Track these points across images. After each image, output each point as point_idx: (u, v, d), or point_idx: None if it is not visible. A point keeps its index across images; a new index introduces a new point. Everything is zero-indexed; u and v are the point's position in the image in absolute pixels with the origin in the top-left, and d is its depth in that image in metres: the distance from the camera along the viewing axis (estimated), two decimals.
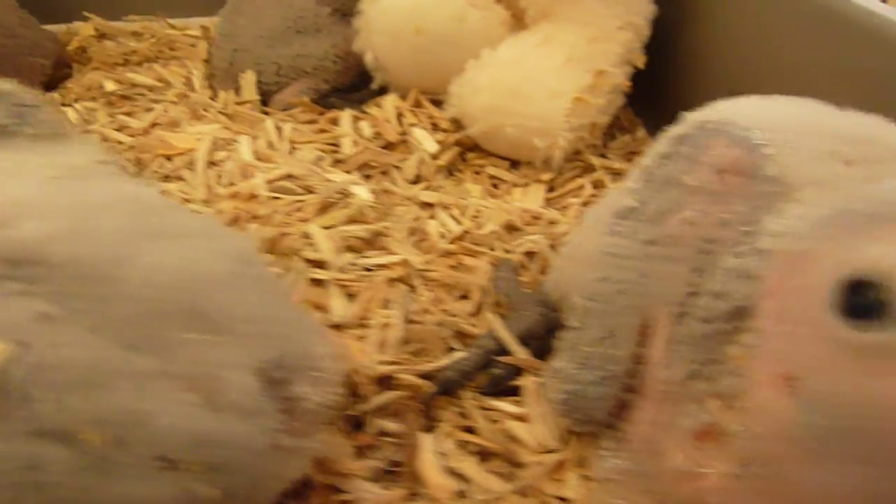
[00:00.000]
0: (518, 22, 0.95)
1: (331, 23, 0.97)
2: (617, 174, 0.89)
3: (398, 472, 0.50)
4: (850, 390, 0.28)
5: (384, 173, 0.85)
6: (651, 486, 0.39)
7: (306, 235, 0.66)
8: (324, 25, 0.97)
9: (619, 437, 0.44)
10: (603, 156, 0.94)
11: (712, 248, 0.40)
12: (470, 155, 0.92)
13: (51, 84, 0.96)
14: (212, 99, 0.95)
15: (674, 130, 0.48)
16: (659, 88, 0.98)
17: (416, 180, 0.85)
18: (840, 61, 0.70)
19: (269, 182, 0.72)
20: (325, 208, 0.70)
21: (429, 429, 0.53)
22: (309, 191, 0.72)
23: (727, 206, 0.41)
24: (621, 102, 0.95)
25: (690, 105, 0.88)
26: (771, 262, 0.35)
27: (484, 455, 0.52)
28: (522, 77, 0.85)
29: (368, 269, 0.65)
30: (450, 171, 0.89)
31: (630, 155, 0.95)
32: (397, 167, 0.86)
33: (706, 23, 0.93)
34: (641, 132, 1.01)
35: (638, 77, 0.98)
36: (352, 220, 0.69)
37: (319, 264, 0.63)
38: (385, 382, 0.53)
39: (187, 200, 0.72)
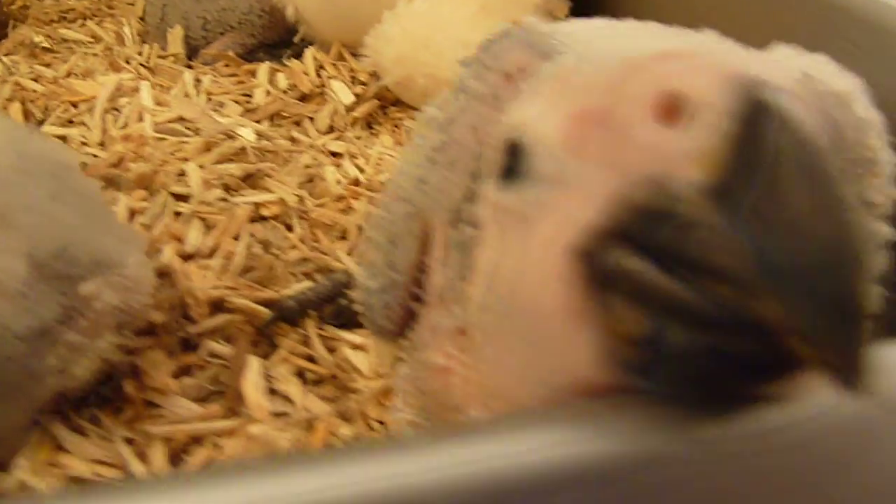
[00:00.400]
0: None
1: None
2: None
3: (223, 391, 0.50)
4: (498, 260, 0.27)
5: (297, 123, 0.85)
6: (420, 387, 0.39)
7: (182, 173, 0.66)
8: None
9: (407, 345, 0.43)
10: None
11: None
12: (391, 108, 0.91)
13: None
14: (139, 53, 0.96)
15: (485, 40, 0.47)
16: None
17: (330, 131, 0.85)
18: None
19: (159, 124, 0.73)
20: (208, 148, 0.70)
21: (267, 354, 0.54)
22: (197, 133, 0.73)
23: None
24: None
25: None
26: None
27: (319, 381, 0.53)
28: (433, 27, 0.85)
29: (252, 206, 0.65)
30: (369, 123, 0.89)
31: None
32: (310, 118, 0.86)
33: None
34: None
35: None
36: (231, 160, 0.69)
37: (184, 198, 0.63)
38: (221, 307, 0.54)
39: (84, 143, 0.73)
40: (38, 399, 0.42)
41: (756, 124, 0.19)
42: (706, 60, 0.21)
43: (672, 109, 0.21)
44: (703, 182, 0.20)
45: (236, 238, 0.59)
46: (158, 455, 0.45)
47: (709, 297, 0.19)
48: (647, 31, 0.48)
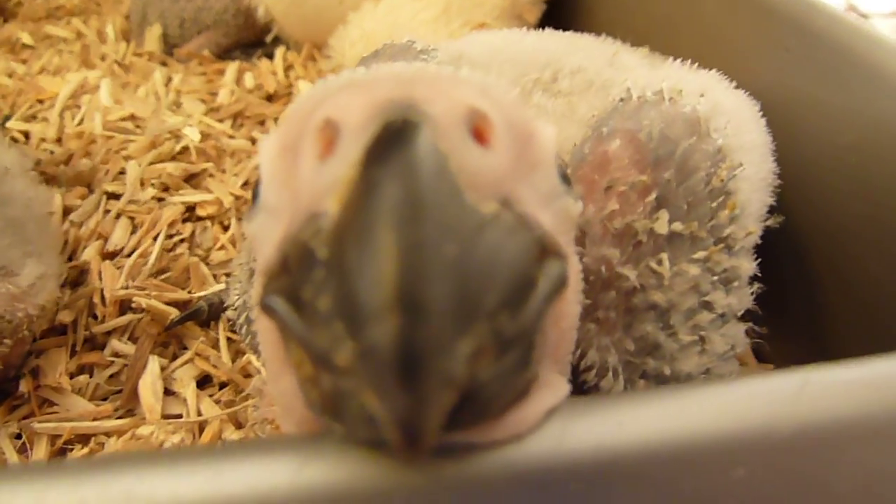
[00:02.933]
0: None
1: None
2: None
3: (122, 391, 0.51)
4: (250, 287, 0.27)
5: (261, 123, 0.86)
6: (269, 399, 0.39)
7: (122, 172, 0.67)
8: None
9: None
10: None
11: None
12: None
13: None
14: (117, 50, 0.97)
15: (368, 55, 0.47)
16: None
17: None
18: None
19: (109, 122, 0.74)
20: (152, 147, 0.71)
21: (174, 355, 0.54)
22: (142, 132, 0.74)
23: None
24: None
25: None
26: None
27: (223, 384, 0.53)
28: (394, 29, 0.84)
29: (186, 206, 0.66)
30: None
31: None
32: (275, 118, 0.86)
33: None
34: None
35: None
36: (174, 159, 0.70)
37: (116, 196, 0.64)
38: (128, 307, 0.54)
39: (43, 140, 0.75)
40: None
41: (381, 159, 0.18)
42: (385, 87, 0.20)
43: (328, 142, 0.20)
44: (333, 217, 0.19)
45: (157, 238, 0.60)
46: (41, 451, 0.46)
47: (320, 339, 0.18)
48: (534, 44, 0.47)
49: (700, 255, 0.30)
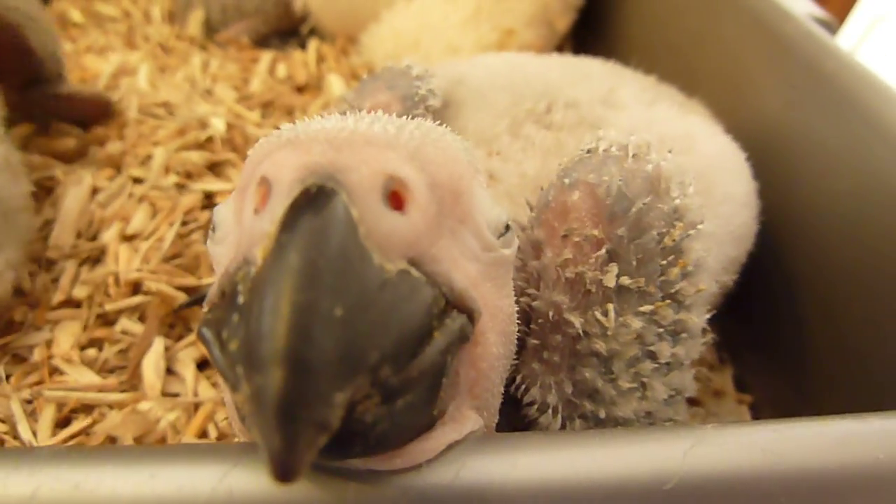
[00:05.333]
0: None
1: None
2: None
3: (126, 366, 0.54)
4: None
5: (289, 112, 0.89)
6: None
7: (150, 157, 0.71)
8: None
9: None
10: None
11: None
12: None
13: None
14: (160, 32, 1.01)
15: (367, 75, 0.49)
16: (604, 52, 0.96)
17: None
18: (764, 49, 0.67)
19: (143, 106, 0.78)
20: (181, 134, 0.74)
21: (179, 336, 0.58)
22: (174, 118, 0.77)
23: None
24: None
25: (639, 67, 0.85)
26: None
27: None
28: (423, 29, 0.86)
29: (205, 194, 0.69)
30: None
31: None
32: (303, 109, 0.89)
33: None
34: None
35: (583, 41, 0.97)
36: (197, 148, 0.73)
37: (140, 181, 0.68)
38: (139, 289, 0.58)
39: None
40: None
41: (294, 220, 0.21)
42: (316, 151, 0.23)
43: (263, 196, 0.22)
44: (256, 269, 0.21)
45: (173, 224, 0.63)
46: (48, 417, 0.50)
47: (230, 373, 0.21)
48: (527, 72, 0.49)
49: (646, 308, 0.31)
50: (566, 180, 0.32)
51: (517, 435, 0.24)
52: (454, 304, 0.23)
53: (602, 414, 0.33)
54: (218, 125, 0.75)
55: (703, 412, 0.53)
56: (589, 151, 0.33)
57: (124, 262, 0.59)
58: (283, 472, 0.19)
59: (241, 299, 0.21)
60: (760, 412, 0.56)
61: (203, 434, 0.51)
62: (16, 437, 0.48)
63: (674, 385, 0.34)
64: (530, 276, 0.33)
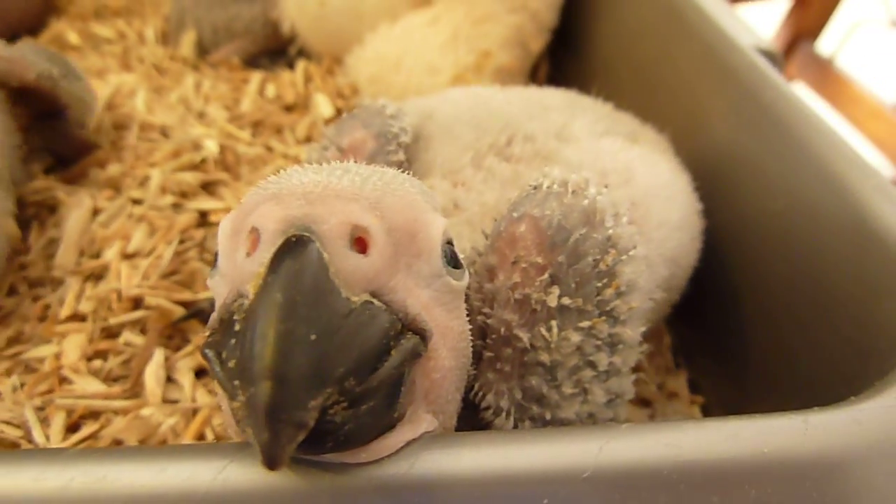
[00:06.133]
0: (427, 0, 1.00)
1: None
2: None
3: (128, 376, 0.59)
4: None
5: (278, 131, 0.94)
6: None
7: (147, 178, 0.76)
8: None
9: None
10: None
11: None
12: None
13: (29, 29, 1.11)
14: (154, 53, 1.06)
15: (345, 113, 0.54)
16: (575, 73, 1.01)
17: (307, 140, 0.93)
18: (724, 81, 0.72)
19: (142, 129, 0.83)
20: (175, 155, 0.79)
21: (179, 348, 0.63)
22: (168, 139, 0.82)
23: None
24: (519, 83, 0.98)
25: (599, 86, 0.91)
26: None
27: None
28: (405, 51, 0.91)
29: (199, 212, 0.74)
30: None
31: None
32: (291, 128, 0.94)
33: (612, 12, 0.94)
34: None
35: (559, 60, 1.02)
36: (192, 169, 0.78)
37: (139, 202, 0.73)
38: (140, 303, 0.63)
39: None
40: None
41: (279, 261, 0.26)
42: (294, 203, 0.28)
43: (253, 242, 0.28)
44: (248, 302, 0.26)
45: (170, 242, 0.68)
46: (59, 423, 0.54)
47: (228, 386, 0.26)
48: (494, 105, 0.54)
49: (585, 324, 0.37)
50: (515, 213, 0.38)
51: (463, 434, 0.29)
52: (408, 327, 0.28)
53: (548, 416, 0.38)
54: (211, 147, 0.80)
55: (650, 412, 0.58)
56: (535, 188, 0.38)
57: (126, 278, 0.64)
58: (270, 461, 0.24)
59: (237, 326, 0.27)
60: (711, 412, 0.61)
61: (201, 437, 0.56)
62: (30, 441, 0.53)
63: (612, 390, 0.40)
64: (485, 297, 0.38)
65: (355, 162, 0.47)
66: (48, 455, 0.28)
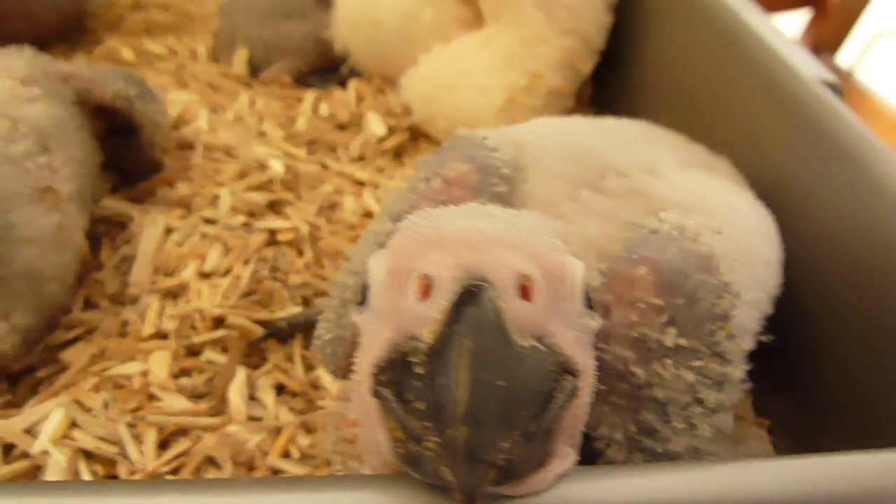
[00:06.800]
0: (478, 21, 1.02)
1: (314, 10, 1.07)
2: None
3: (212, 393, 0.61)
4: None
5: (332, 150, 0.96)
6: (338, 425, 0.49)
7: (216, 197, 0.78)
8: (308, 12, 1.07)
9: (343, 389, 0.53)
10: None
11: None
12: (422, 140, 1.00)
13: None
14: (206, 70, 1.08)
15: (443, 144, 0.55)
16: (621, 93, 1.03)
17: (360, 159, 0.95)
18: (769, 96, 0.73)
19: (208, 149, 0.85)
20: (242, 176, 0.81)
21: (256, 365, 0.65)
22: (235, 159, 0.84)
23: None
24: (569, 104, 1.00)
25: (645, 108, 0.92)
26: None
27: (294, 394, 0.63)
28: (458, 72, 0.93)
29: (259, 232, 0.76)
30: (398, 153, 0.98)
31: None
32: (345, 146, 0.96)
33: (661, 35, 0.96)
34: None
35: (602, 80, 1.03)
36: (259, 189, 0.80)
37: (212, 221, 0.75)
38: (222, 323, 0.65)
39: None
40: None
41: (460, 309, 0.28)
42: (463, 252, 0.30)
43: (427, 287, 0.29)
44: (427, 343, 0.28)
45: (246, 262, 0.70)
46: (150, 439, 0.56)
47: (415, 424, 0.28)
48: (588, 138, 0.55)
49: (697, 363, 0.39)
50: (633, 255, 0.39)
51: (604, 468, 0.31)
52: (565, 368, 0.30)
53: (659, 449, 0.40)
54: (277, 167, 0.82)
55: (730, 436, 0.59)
56: (653, 231, 0.40)
57: (206, 298, 0.66)
58: (469, 499, 0.26)
59: (419, 369, 0.28)
60: (776, 435, 0.63)
61: (286, 454, 0.58)
62: (125, 457, 0.55)
63: (717, 426, 0.41)
64: (600, 332, 0.39)
65: (460, 194, 0.49)
66: (216, 485, 0.30)
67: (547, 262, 0.32)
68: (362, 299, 0.35)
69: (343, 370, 0.54)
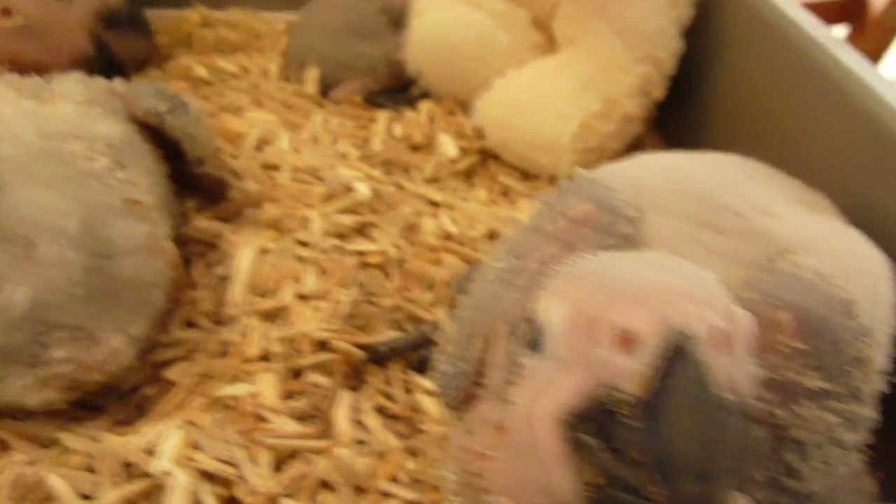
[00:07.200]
0: (551, 46, 1.03)
1: (387, 31, 1.09)
2: None
3: (317, 416, 0.62)
4: (514, 401, 0.38)
5: (406, 171, 0.97)
6: (462, 459, 0.50)
7: (306, 219, 0.79)
8: (381, 32, 1.09)
9: (464, 419, 0.54)
10: None
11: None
12: (491, 162, 1.02)
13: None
14: (279, 89, 1.10)
15: (562, 183, 0.57)
16: (688, 118, 1.04)
17: (433, 180, 0.97)
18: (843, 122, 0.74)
19: (293, 171, 0.87)
20: (328, 198, 0.83)
21: (356, 388, 0.66)
22: (321, 182, 0.86)
23: (573, 253, 0.49)
24: (639, 129, 1.01)
25: (716, 137, 0.91)
26: None
27: (394, 418, 0.64)
28: (534, 98, 0.94)
29: (350, 254, 0.78)
30: (469, 175, 1.00)
31: None
32: (418, 167, 0.97)
33: (733, 62, 0.97)
34: None
35: (669, 104, 1.04)
36: (347, 211, 0.82)
37: (306, 244, 0.76)
38: (325, 346, 0.66)
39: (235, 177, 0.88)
40: None
41: (671, 364, 0.29)
42: (662, 307, 0.31)
43: (627, 341, 0.31)
44: (635, 395, 0.29)
45: (344, 285, 0.71)
46: (265, 461, 0.58)
47: (628, 472, 0.29)
48: (706, 176, 0.56)
49: (837, 406, 0.39)
50: (775, 301, 0.40)
51: None
52: (748, 417, 0.31)
53: (797, 487, 0.40)
54: (362, 189, 0.84)
55: None
56: (793, 277, 0.41)
57: (309, 321, 0.67)
58: None
59: (629, 420, 0.29)
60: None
61: (394, 479, 0.59)
62: (242, 479, 0.57)
63: (851, 464, 0.42)
64: None
65: (586, 234, 0.50)
66: None
67: (727, 314, 0.33)
68: (532, 344, 0.36)
69: (464, 403, 0.55)
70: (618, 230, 0.49)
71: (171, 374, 0.66)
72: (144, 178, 0.69)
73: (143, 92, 0.78)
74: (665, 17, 0.95)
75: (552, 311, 0.35)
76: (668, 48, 0.97)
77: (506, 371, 0.49)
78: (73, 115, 0.67)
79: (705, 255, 0.51)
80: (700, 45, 1.00)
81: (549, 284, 0.39)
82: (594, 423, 0.31)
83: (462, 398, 0.54)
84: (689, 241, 0.52)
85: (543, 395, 0.34)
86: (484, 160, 1.02)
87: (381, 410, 0.65)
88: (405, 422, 0.63)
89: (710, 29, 0.99)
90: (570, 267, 0.40)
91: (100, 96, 0.73)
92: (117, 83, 0.79)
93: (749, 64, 0.93)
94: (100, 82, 0.76)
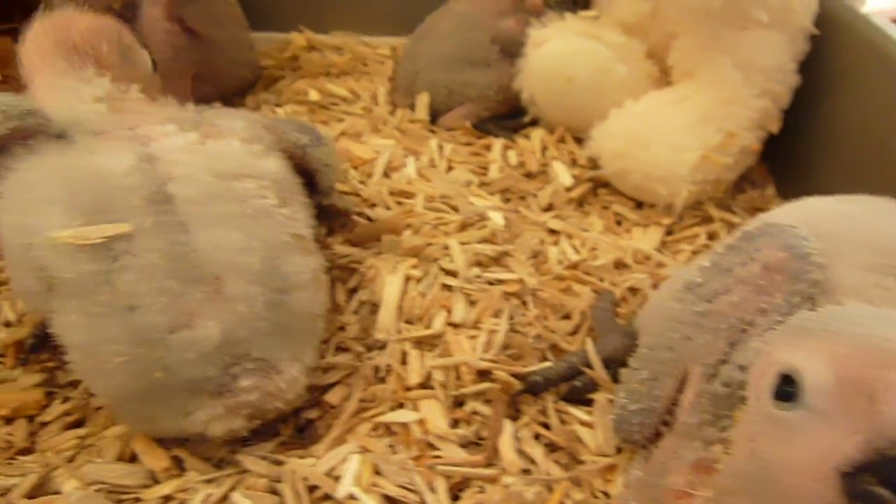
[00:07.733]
0: (665, 78, 1.05)
1: (498, 59, 1.11)
2: (734, 227, 0.97)
3: (481, 444, 0.64)
4: (769, 451, 0.39)
5: (522, 198, 1.00)
6: (655, 497, 0.52)
7: (445, 247, 0.82)
8: (492, 61, 1.12)
9: (647, 456, 0.56)
10: (728, 208, 1.02)
11: (747, 328, 0.51)
12: (602, 191, 1.04)
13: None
14: (390, 114, 1.13)
15: (745, 227, 0.58)
16: (795, 150, 1.04)
17: (549, 208, 0.99)
18: None
19: (428, 199, 0.89)
20: (464, 227, 0.85)
21: (513, 417, 0.68)
22: (454, 210, 0.88)
23: (767, 298, 0.51)
24: (751, 161, 1.03)
25: (823, 170, 0.91)
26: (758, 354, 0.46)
27: (552, 447, 0.66)
28: (653, 130, 0.96)
29: (490, 283, 0.80)
30: (581, 203, 1.02)
31: (754, 210, 1.01)
32: (534, 195, 1.00)
33: (844, 96, 0.97)
34: (771, 190, 1.07)
35: (776, 137, 1.05)
36: (484, 240, 0.84)
37: (452, 273, 0.79)
38: (484, 375, 0.68)
39: (363, 201, 0.91)
40: None
41: None
42: None
43: None
44: None
45: (495, 315, 0.73)
46: (442, 489, 0.60)
47: None
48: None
49: None
50: None
51: None
52: None
53: None
54: (496, 218, 0.86)
55: None
56: None
57: (466, 350, 0.69)
58: None
59: None
60: None
61: None
62: None
63: None
64: None
65: (779, 280, 0.52)
66: None
67: None
68: (781, 395, 0.38)
69: (649, 440, 0.57)
70: (809, 277, 0.51)
71: (331, 398, 0.68)
72: (301, 212, 0.72)
73: (284, 126, 0.82)
74: (785, 52, 0.96)
75: (813, 367, 0.37)
76: (786, 83, 0.98)
77: (702, 412, 0.51)
78: (242, 153, 0.69)
79: (893, 303, 0.52)
80: (810, 77, 1.01)
81: (797, 338, 0.41)
82: (880, 475, 0.33)
83: (649, 434, 0.56)
84: (875, 288, 0.53)
85: (817, 448, 0.36)
86: (594, 189, 1.04)
87: (539, 439, 0.66)
88: (564, 452, 0.65)
89: (821, 61, 1.00)
90: (812, 321, 0.42)
91: (259, 132, 0.76)
92: (262, 117, 0.82)
93: (862, 95, 0.94)
94: (256, 116, 0.79)
